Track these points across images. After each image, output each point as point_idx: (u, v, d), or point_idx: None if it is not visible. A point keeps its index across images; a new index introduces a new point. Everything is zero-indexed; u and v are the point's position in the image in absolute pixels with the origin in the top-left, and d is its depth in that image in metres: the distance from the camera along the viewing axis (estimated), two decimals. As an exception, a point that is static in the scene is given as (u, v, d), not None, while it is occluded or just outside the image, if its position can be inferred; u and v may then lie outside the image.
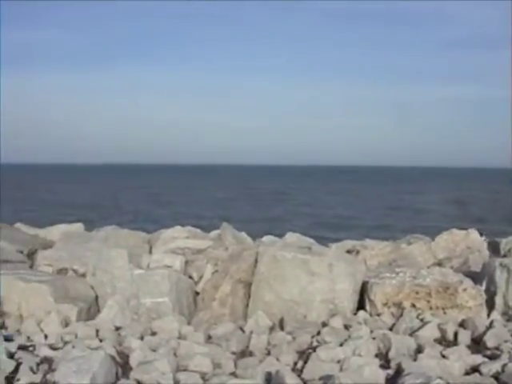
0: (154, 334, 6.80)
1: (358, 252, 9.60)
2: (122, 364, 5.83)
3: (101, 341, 6.37)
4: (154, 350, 6.10)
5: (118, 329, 6.88)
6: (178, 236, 9.74)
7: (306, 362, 5.79)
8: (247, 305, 7.46)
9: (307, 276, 7.35)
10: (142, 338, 6.51)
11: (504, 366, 5.64)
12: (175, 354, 6.07)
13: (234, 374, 5.67)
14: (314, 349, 6.16)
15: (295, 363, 5.93)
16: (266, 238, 10.38)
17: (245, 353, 6.30)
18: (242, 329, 6.93)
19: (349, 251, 9.66)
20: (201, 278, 8.21)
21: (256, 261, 7.55)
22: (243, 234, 10.42)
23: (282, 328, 6.97)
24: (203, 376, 5.60)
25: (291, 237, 10.42)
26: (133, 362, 5.83)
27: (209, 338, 6.72)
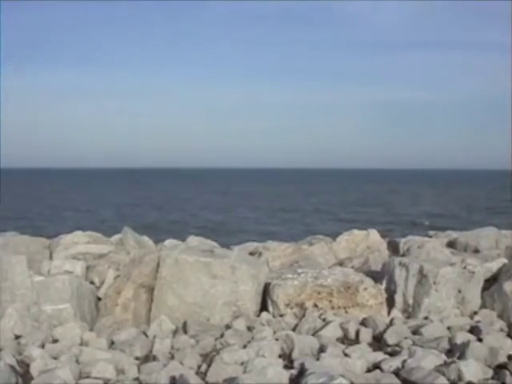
0: (55, 341, 6.68)
1: (260, 254, 9.66)
2: (23, 373, 5.71)
3: (0, 350, 6.22)
4: (55, 358, 6.00)
5: (17, 337, 6.72)
6: (79, 241, 9.61)
7: (209, 365, 5.78)
8: (150, 309, 7.41)
9: (210, 279, 7.35)
10: (43, 346, 6.38)
11: (404, 361, 5.78)
12: (77, 361, 5.97)
13: (137, 380, 5.63)
14: (218, 351, 6.17)
15: (199, 366, 5.92)
16: (168, 242, 10.33)
17: (148, 357, 6.26)
18: (145, 333, 6.88)
19: (251, 253, 9.73)
20: (103, 283, 8.12)
21: (158, 265, 7.50)
22: (145, 238, 10.37)
23: (185, 332, 6.94)
24: (106, 382, 5.54)
25: (193, 240, 10.42)
26: (34, 371, 5.70)
27: (112, 343, 6.64)
